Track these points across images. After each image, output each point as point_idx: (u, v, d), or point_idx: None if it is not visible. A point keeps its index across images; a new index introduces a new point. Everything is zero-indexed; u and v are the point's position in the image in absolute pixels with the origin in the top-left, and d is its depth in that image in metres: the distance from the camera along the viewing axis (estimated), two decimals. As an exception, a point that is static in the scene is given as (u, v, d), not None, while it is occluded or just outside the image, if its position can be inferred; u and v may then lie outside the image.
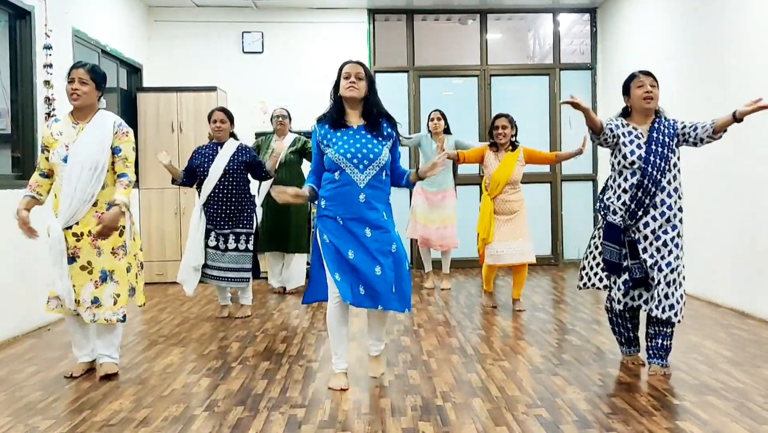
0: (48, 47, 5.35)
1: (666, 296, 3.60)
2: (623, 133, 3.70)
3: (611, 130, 3.71)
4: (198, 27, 8.05)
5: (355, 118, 3.54)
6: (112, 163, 3.76)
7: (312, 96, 7.96)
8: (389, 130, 3.55)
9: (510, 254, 5.35)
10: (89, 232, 3.67)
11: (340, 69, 3.54)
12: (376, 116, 3.52)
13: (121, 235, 3.76)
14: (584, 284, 4.01)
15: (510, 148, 5.46)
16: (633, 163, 3.64)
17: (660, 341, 3.71)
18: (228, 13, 8.07)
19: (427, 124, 6.55)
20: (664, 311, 3.60)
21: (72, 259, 3.67)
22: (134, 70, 7.58)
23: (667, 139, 3.65)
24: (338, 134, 3.48)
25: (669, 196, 3.63)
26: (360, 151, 3.42)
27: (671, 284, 3.61)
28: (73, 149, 3.64)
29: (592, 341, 4.46)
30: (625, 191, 3.67)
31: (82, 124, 3.72)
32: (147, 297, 6.56)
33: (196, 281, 5.27)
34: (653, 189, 3.61)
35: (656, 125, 3.69)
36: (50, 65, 5.34)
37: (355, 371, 3.86)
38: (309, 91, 7.97)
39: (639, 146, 3.65)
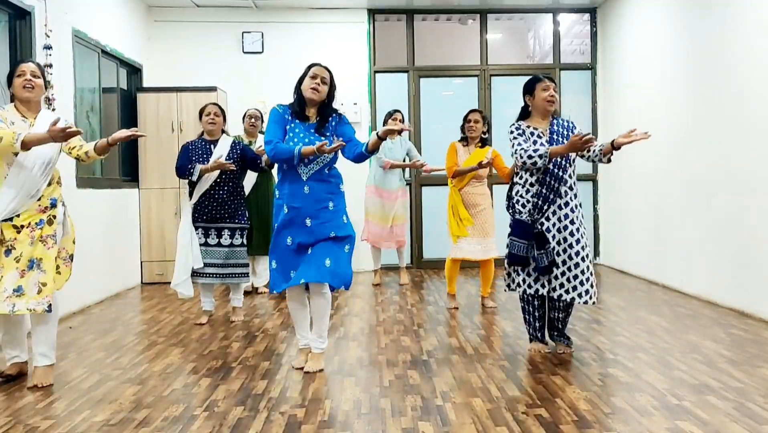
0: (48, 47, 5.34)
1: (572, 279, 3.94)
2: (527, 136, 4.05)
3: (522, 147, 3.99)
4: (198, 27, 8.05)
5: (311, 114, 3.85)
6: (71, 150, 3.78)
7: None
8: (334, 123, 3.84)
9: (475, 250, 5.47)
10: (29, 224, 3.58)
11: (308, 68, 3.84)
12: (326, 117, 3.84)
13: (50, 224, 3.66)
14: (509, 285, 4.24)
15: (479, 144, 5.61)
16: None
17: (564, 320, 4.17)
18: (228, 13, 8.07)
19: (385, 120, 6.55)
20: (568, 292, 3.95)
21: (8, 251, 3.56)
22: (134, 70, 7.58)
23: (565, 140, 3.98)
24: (293, 125, 3.79)
25: (570, 189, 4.01)
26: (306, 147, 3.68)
27: (576, 267, 3.93)
28: None
29: (592, 341, 4.46)
30: (531, 185, 4.02)
31: (31, 120, 3.69)
32: (147, 297, 6.63)
33: (190, 283, 5.12)
34: (556, 184, 3.98)
35: (555, 127, 4.08)
36: (50, 65, 5.33)
37: (355, 371, 3.86)
38: (309, 91, 8.00)
39: (542, 145, 4.00)
